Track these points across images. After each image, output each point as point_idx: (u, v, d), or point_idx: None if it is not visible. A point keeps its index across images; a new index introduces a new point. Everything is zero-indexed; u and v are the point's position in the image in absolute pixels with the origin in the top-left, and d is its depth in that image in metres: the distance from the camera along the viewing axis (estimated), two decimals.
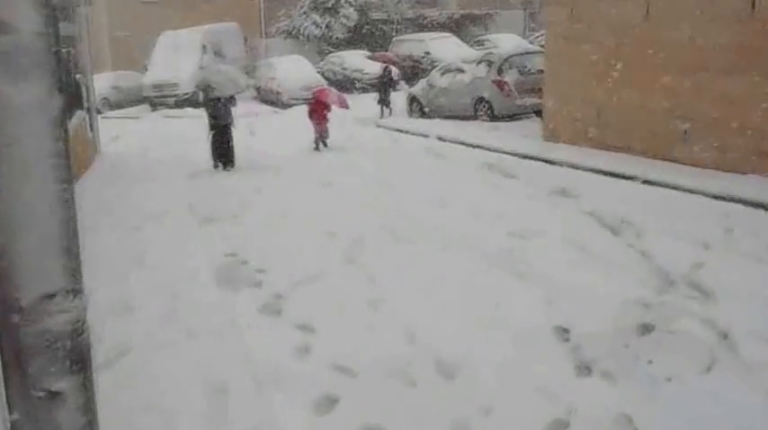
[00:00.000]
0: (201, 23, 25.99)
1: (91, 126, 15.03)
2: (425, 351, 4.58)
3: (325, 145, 13.84)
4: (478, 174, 10.56)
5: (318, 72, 24.81)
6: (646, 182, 9.02)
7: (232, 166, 12.01)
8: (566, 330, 4.85)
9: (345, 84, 24.87)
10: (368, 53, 26.34)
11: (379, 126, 17.70)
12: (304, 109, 22.42)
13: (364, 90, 24.76)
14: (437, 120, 16.74)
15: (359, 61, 25.29)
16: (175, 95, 23.63)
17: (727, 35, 8.74)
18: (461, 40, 27.20)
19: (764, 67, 8.33)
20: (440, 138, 14.34)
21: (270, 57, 26.41)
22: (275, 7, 29.33)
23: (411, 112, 18.41)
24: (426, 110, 17.71)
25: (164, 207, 9.39)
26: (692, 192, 8.33)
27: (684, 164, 9.41)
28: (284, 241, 7.52)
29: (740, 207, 7.66)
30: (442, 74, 17.42)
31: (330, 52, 27.63)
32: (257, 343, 4.79)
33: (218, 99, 11.71)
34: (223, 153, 11.98)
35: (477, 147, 12.97)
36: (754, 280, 5.56)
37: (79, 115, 14.01)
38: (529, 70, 15.43)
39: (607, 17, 10.64)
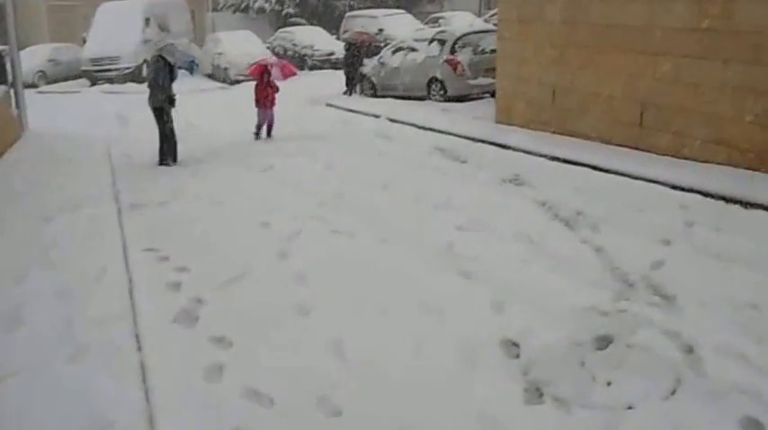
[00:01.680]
0: None
1: (17, 102, 13.99)
2: (354, 371, 4.00)
3: (269, 134, 12.40)
4: (427, 159, 9.99)
5: (268, 48, 23.87)
6: (602, 169, 8.56)
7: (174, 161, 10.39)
8: (515, 344, 4.32)
9: (296, 61, 23.98)
10: (323, 29, 25.44)
11: (329, 105, 16.96)
12: (251, 86, 21.81)
13: (315, 67, 23.96)
14: (389, 101, 16.10)
15: (310, 37, 24.41)
16: (116, 70, 22.46)
17: (687, 17, 8.28)
18: (415, 17, 26.52)
19: (725, 51, 7.90)
20: (390, 120, 13.71)
21: (217, 32, 25.31)
22: None
23: (362, 92, 17.71)
24: (378, 89, 17.03)
25: (85, 193, 8.59)
26: (650, 181, 7.90)
27: (642, 151, 8.99)
28: (214, 233, 6.85)
29: (699, 198, 7.25)
30: (394, 52, 16.76)
31: (280, 28, 26.66)
32: (163, 364, 4.14)
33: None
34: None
35: (429, 129, 12.39)
36: (718, 282, 5.12)
37: (1, 90, 12.99)
38: (483, 50, 14.86)
39: None
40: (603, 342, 4.30)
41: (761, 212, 6.70)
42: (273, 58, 14.16)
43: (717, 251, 5.71)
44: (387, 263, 5.72)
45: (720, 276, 5.23)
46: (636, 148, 9.10)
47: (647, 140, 8.99)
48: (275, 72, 12.65)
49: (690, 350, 4.15)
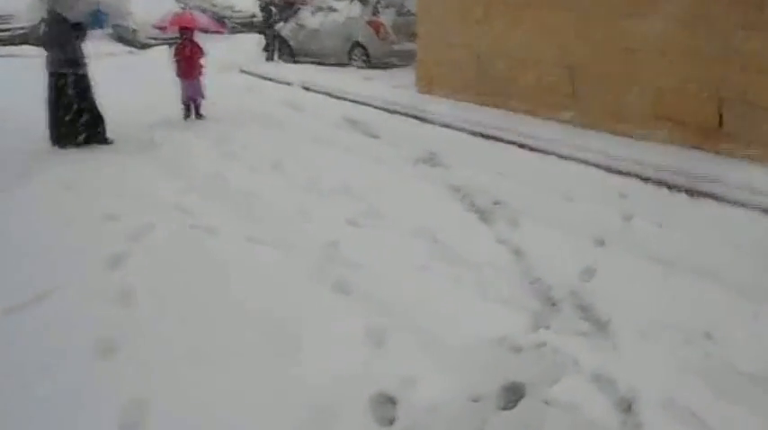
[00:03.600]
0: None
1: None
2: None
3: (198, 113, 9.58)
4: (334, 133, 8.67)
5: (183, 8, 21.88)
6: (529, 148, 7.42)
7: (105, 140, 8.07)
8: (391, 400, 3.11)
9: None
10: None
11: (243, 71, 15.36)
12: (164, 51, 19.90)
13: (235, 30, 22.12)
14: (307, 67, 14.63)
15: None
16: (9, 30, 20.15)
17: None
18: None
19: (670, 8, 6.80)
20: (304, 87, 12.32)
21: None
22: None
23: (280, 56, 16.16)
24: (296, 54, 15.52)
25: None
26: (581, 162, 6.79)
27: (575, 126, 7.89)
28: (40, 230, 5.40)
29: (638, 184, 6.18)
30: (313, 13, 15.24)
31: None
32: None
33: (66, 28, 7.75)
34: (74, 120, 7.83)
35: (343, 98, 11.07)
36: (662, 297, 4.02)
37: None
38: (409, 11, 13.48)
39: None
40: (513, 395, 3.13)
41: (709, 202, 5.66)
42: (196, 15, 10.68)
43: (659, 253, 4.62)
44: (245, 272, 4.42)
45: (664, 289, 4.13)
46: (569, 123, 7.99)
47: (581, 114, 7.89)
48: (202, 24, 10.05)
49: (627, 407, 3.02)
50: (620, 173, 6.38)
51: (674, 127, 6.91)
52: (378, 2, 13.78)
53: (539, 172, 6.62)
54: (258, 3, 17.13)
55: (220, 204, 5.86)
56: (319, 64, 14.66)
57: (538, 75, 8.39)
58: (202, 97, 9.58)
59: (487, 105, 9.12)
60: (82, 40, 7.99)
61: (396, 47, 13.42)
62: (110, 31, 22.38)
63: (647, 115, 7.14)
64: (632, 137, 7.20)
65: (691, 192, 5.82)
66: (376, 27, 13.49)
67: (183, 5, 22.25)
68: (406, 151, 7.57)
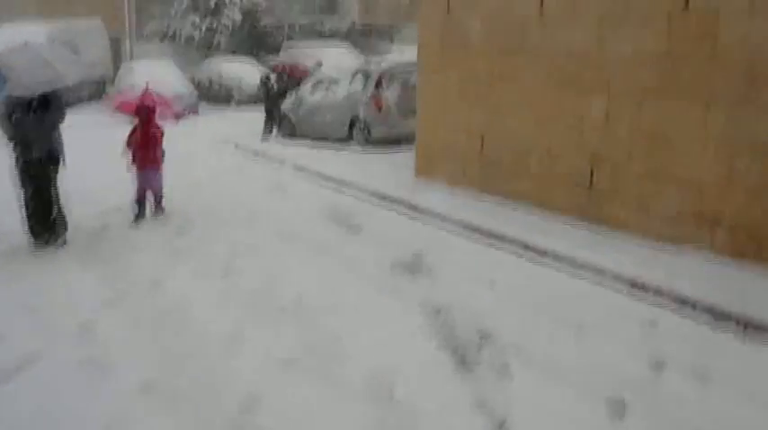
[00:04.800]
0: (65, 17, 22.08)
1: None
2: None
3: (159, 206, 7.87)
4: (311, 226, 7.44)
5: (190, 80, 21.31)
6: (534, 253, 6.09)
7: (56, 239, 6.58)
8: None
9: (221, 95, 21.51)
10: (254, 61, 23.00)
11: (237, 147, 14.38)
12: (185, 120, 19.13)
13: (242, 103, 21.43)
14: (305, 144, 13.61)
15: (238, 70, 21.93)
16: None
17: (653, 40, 5.95)
18: (363, 52, 24.27)
19: (706, 88, 5.56)
20: (296, 168, 11.22)
21: (137, 60, 22.74)
22: (148, 6, 25.52)
23: (280, 132, 15.20)
24: (296, 130, 14.53)
25: None
26: (598, 274, 5.43)
27: (592, 222, 6.57)
28: None
29: (673, 309, 4.80)
30: (314, 87, 14.31)
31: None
32: None
33: (27, 106, 6.19)
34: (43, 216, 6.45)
35: (334, 181, 9.91)
36: None
37: None
38: (414, 86, 12.44)
39: (492, 13, 7.76)
40: None
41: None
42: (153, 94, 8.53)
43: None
44: None
45: None
46: (584, 219, 6.67)
47: (599, 209, 6.58)
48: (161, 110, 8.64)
49: None
50: (648, 292, 5.01)
51: (718, 231, 5.56)
52: (382, 76, 12.80)
53: (544, 289, 5.26)
54: (260, 76, 16.36)
55: (135, 327, 4.64)
56: (319, 140, 13.63)
57: (549, 163, 7.13)
58: (160, 192, 7.84)
59: (490, 195, 7.86)
60: (59, 119, 6.49)
61: (399, 124, 12.32)
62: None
63: (684, 215, 5.80)
64: (664, 242, 5.85)
65: (744, 325, 4.42)
66: (378, 103, 12.45)
67: (191, 78, 21.74)
68: (387, 252, 6.28)
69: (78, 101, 21.44)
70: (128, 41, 24.72)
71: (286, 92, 15.26)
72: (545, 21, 7.01)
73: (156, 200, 7.85)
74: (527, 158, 7.42)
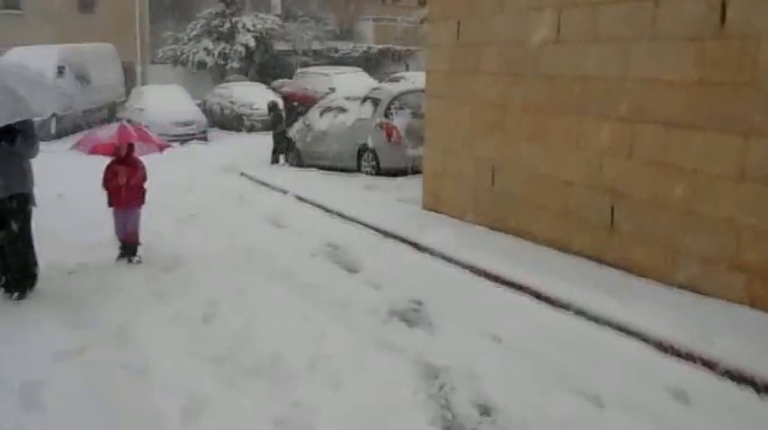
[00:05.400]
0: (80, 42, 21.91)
1: None
2: None
3: (132, 254, 6.87)
4: (304, 265, 6.83)
5: (200, 106, 20.96)
6: (548, 302, 5.42)
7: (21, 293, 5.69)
8: None
9: (232, 121, 21.12)
10: (263, 86, 22.61)
11: (242, 175, 13.88)
12: (173, 148, 18.70)
13: (254, 128, 21.02)
14: (310, 172, 13.08)
15: (250, 95, 21.54)
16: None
17: (684, 62, 5.31)
18: (377, 77, 23.85)
19: (744, 119, 4.89)
20: (299, 199, 10.65)
21: (147, 85, 22.49)
22: (162, 31, 25.33)
23: (287, 160, 14.69)
24: (304, 158, 13.99)
25: None
26: (620, 332, 4.75)
27: (613, 266, 5.90)
28: None
29: (706, 376, 4.10)
30: (322, 113, 13.80)
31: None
32: None
33: None
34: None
35: (336, 213, 9.32)
36: None
37: None
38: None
39: (504, 36, 7.18)
40: None
41: None
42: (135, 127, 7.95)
43: None
44: None
45: None
46: (604, 262, 6.00)
47: (621, 252, 5.90)
48: (142, 146, 7.33)
49: None
50: (678, 355, 4.32)
51: (757, 282, 4.86)
52: (391, 102, 12.25)
53: (558, 348, 4.57)
54: (267, 102, 15.91)
55: (86, 390, 4.01)
56: (327, 169, 13.08)
57: (565, 199, 6.49)
58: (135, 235, 6.87)
59: (502, 231, 7.23)
60: (29, 153, 5.69)
61: (410, 152, 11.71)
62: None
63: (717, 262, 5.11)
64: (695, 292, 5.16)
65: None
66: (388, 130, 11.89)
67: (200, 103, 21.37)
68: (384, 297, 5.66)
69: (87, 126, 21.20)
70: (138, 67, 24.50)
71: (295, 118, 14.78)
72: (562, 44, 6.41)
73: (131, 245, 6.86)
74: (541, 193, 6.78)
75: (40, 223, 6.11)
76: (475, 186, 7.77)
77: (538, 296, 5.50)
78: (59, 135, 19.56)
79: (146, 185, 6.92)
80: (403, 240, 7.60)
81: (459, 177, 8.09)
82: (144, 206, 6.94)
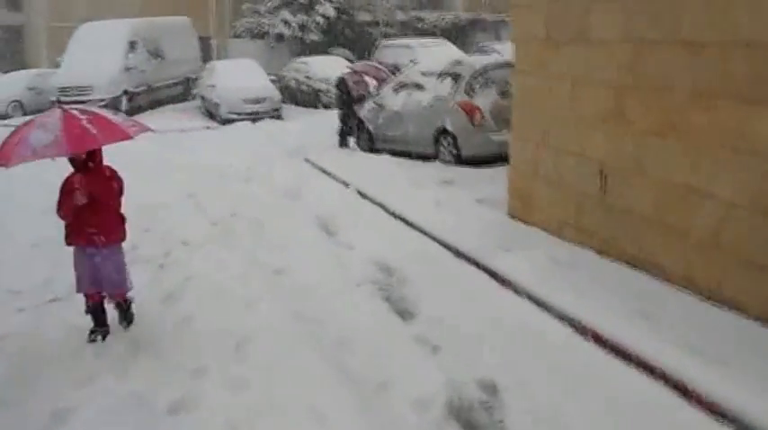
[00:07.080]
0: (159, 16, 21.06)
1: None
2: None
3: (126, 311, 4.70)
4: (343, 300, 5.13)
5: (274, 81, 19.51)
6: (698, 399, 3.44)
7: None
8: None
9: (308, 97, 19.58)
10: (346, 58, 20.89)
11: (307, 161, 12.27)
12: (244, 126, 17.39)
13: (330, 106, 19.37)
14: (381, 159, 11.27)
15: (327, 69, 19.87)
16: (88, 101, 18.52)
17: None
18: (465, 49, 21.71)
19: None
20: (360, 193, 8.94)
21: (224, 59, 21.24)
22: (241, 4, 24.04)
23: (357, 142, 12.95)
24: (375, 141, 12.22)
25: None
26: None
27: None
28: None
29: None
30: (396, 91, 11.94)
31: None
32: None
33: None
34: None
35: (400, 218, 7.55)
36: None
37: None
38: None
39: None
40: None
41: None
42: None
43: None
44: None
45: None
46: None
47: None
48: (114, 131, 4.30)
49: None
50: None
51: None
52: (474, 78, 10.27)
53: None
54: (336, 78, 14.16)
55: None
56: (401, 155, 11.26)
57: (713, 222, 4.42)
58: (121, 286, 4.59)
59: (614, 258, 5.25)
60: None
61: (495, 137, 9.74)
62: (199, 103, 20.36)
63: None
64: None
65: None
66: (470, 111, 9.93)
67: (274, 78, 19.92)
68: (442, 374, 3.84)
69: (158, 104, 20.29)
70: (214, 41, 23.36)
71: (364, 97, 12.99)
72: (708, 6, 4.31)
73: (115, 300, 4.64)
74: (677, 212, 4.74)
75: None
76: (578, 193, 5.78)
77: (682, 390, 3.52)
78: (131, 113, 18.67)
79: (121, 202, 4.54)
80: (477, 264, 5.72)
81: (556, 179, 6.11)
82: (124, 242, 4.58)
